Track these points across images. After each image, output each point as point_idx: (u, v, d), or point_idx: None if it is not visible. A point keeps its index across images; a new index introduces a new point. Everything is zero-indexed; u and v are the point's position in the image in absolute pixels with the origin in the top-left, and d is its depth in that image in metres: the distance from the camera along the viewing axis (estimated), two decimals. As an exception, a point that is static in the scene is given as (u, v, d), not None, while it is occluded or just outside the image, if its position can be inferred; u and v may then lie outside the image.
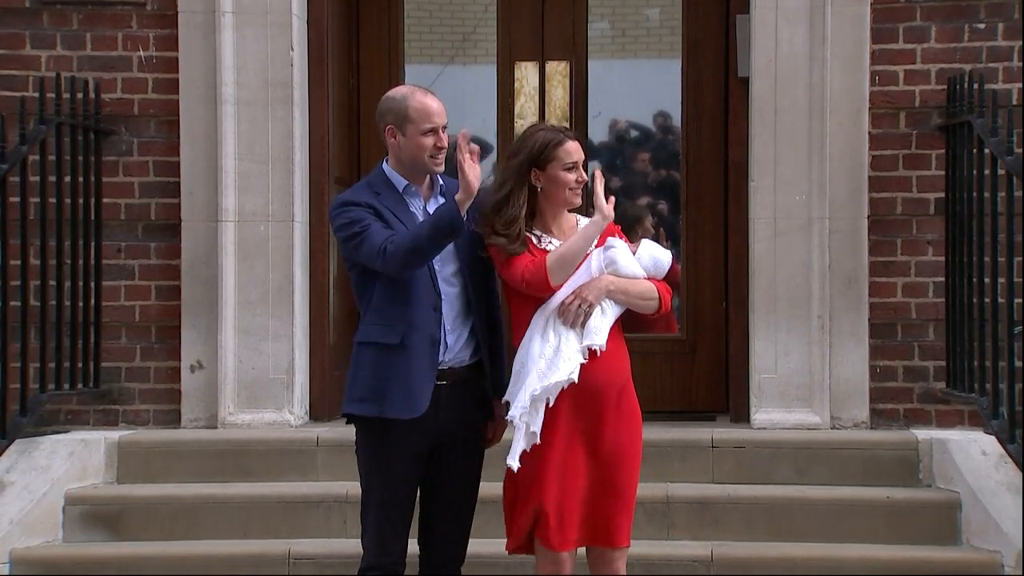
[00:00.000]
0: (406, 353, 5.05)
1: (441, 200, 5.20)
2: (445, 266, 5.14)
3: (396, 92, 5.25)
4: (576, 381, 4.98)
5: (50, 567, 6.39)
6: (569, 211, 5.26)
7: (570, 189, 5.15)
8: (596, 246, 5.16)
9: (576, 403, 5.03)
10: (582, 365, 5.01)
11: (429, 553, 5.26)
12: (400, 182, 5.19)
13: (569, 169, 5.15)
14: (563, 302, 5.06)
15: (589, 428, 5.05)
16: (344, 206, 5.14)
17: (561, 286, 5.06)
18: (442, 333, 5.10)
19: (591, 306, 5.04)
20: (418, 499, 5.22)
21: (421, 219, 5.14)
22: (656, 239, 7.75)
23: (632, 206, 8.03)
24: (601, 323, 5.05)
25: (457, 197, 4.96)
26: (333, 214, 5.17)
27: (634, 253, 5.17)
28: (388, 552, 5.14)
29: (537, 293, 5.06)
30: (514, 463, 5.01)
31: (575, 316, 5.03)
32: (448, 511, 5.21)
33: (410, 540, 5.21)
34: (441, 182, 5.25)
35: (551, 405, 5.01)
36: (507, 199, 5.14)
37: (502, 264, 5.11)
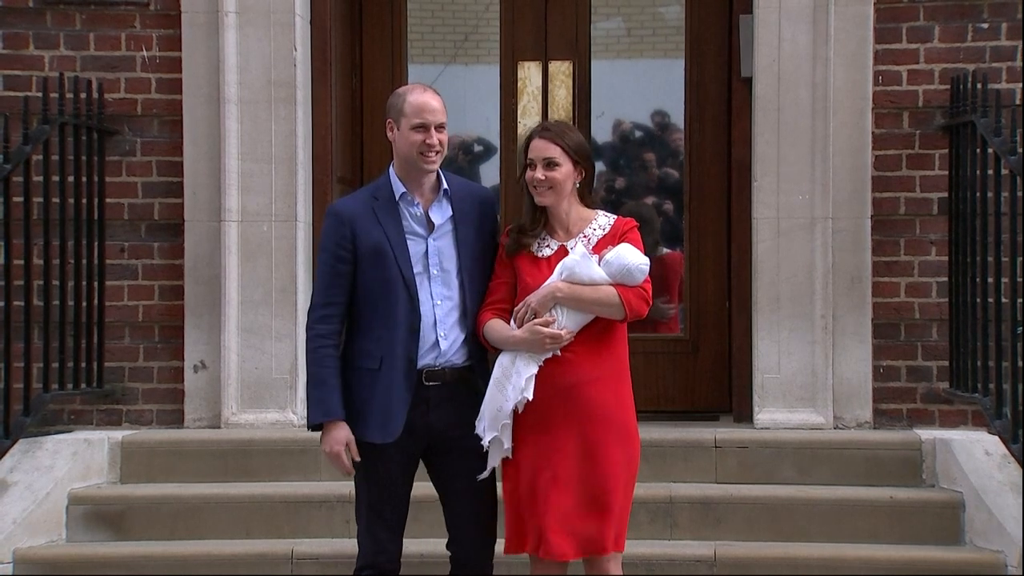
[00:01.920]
0: (383, 377, 5.07)
1: (445, 205, 5.19)
2: (445, 270, 5.14)
3: (401, 88, 5.30)
4: (530, 398, 4.99)
5: (53, 567, 6.40)
6: (589, 207, 5.21)
7: (533, 188, 5.12)
8: (595, 249, 5.14)
9: (537, 408, 5.02)
10: (544, 368, 5.01)
11: (456, 557, 5.27)
12: (398, 189, 5.18)
13: (530, 167, 5.13)
14: (515, 308, 5.09)
15: (553, 432, 5.02)
16: (328, 217, 5.20)
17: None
18: (433, 342, 5.10)
19: (535, 312, 5.03)
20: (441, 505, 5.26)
21: (415, 227, 5.15)
22: (659, 238, 7.77)
23: (638, 205, 8.02)
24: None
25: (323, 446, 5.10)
26: (326, 220, 5.21)
27: (600, 260, 5.08)
28: (382, 551, 5.15)
29: None
30: (483, 474, 5.11)
31: (520, 323, 5.04)
32: (465, 513, 5.21)
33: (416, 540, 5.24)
34: (446, 185, 5.22)
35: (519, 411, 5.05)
36: (526, 203, 5.19)
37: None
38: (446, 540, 5.27)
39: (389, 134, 5.20)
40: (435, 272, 5.13)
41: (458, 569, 5.27)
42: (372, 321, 5.10)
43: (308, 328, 5.14)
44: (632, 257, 5.05)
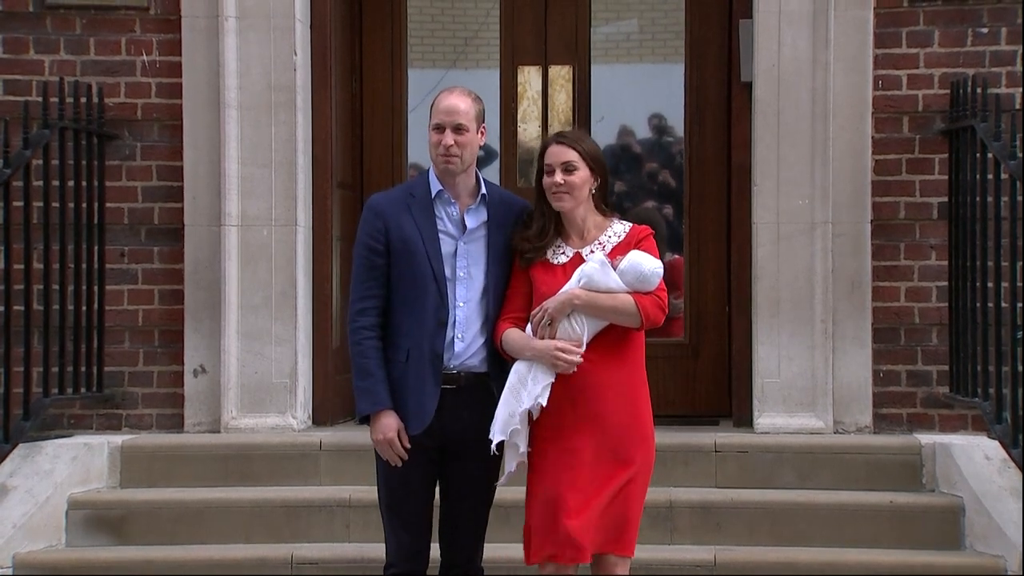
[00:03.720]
0: (412, 368, 5.10)
1: (481, 211, 5.20)
2: (471, 274, 5.16)
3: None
4: (544, 404, 5.00)
5: (53, 571, 6.39)
6: (605, 215, 5.21)
7: (552, 193, 5.14)
8: (609, 256, 5.13)
9: (552, 416, 5.03)
10: (558, 376, 5.00)
11: (448, 556, 5.29)
12: (435, 187, 5.21)
13: (548, 172, 5.16)
14: (532, 313, 5.09)
15: (568, 438, 5.02)
16: (364, 211, 5.23)
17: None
18: (450, 341, 5.12)
19: (551, 318, 5.03)
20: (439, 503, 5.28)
21: (449, 227, 5.17)
22: (666, 244, 7.78)
23: (640, 210, 8.02)
24: (567, 337, 5.03)
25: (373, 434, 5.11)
26: (362, 214, 5.24)
27: (615, 267, 5.08)
28: (405, 550, 5.17)
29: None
30: (500, 480, 5.14)
31: (537, 327, 5.05)
32: (463, 515, 5.22)
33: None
34: (484, 190, 5.23)
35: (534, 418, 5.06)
36: (537, 211, 5.19)
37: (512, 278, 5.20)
38: (438, 541, 5.29)
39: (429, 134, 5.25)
40: (461, 275, 5.15)
41: (448, 571, 5.28)
42: (402, 314, 5.13)
43: (349, 323, 5.17)
44: (646, 262, 5.06)
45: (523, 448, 5.05)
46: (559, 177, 5.12)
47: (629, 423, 5.07)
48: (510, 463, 5.09)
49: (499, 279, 5.19)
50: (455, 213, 5.20)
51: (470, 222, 5.19)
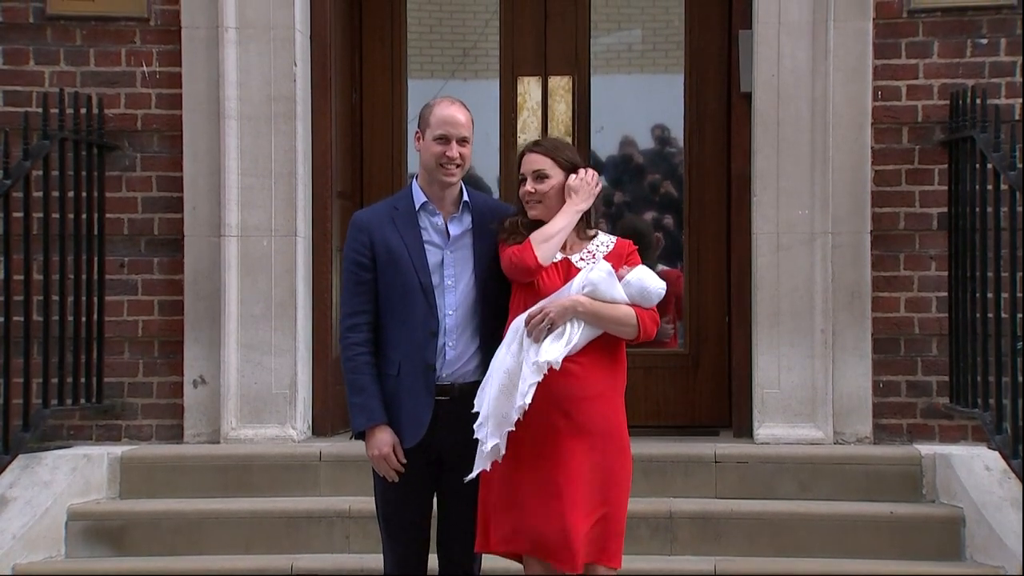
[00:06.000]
0: (404, 381, 5.10)
1: (465, 218, 5.21)
2: (459, 282, 5.16)
3: (433, 99, 5.31)
4: (526, 406, 4.95)
5: (53, 582, 6.41)
6: (588, 224, 5.18)
7: (525, 202, 5.15)
8: (615, 268, 5.12)
9: (539, 418, 5.00)
10: (550, 380, 4.96)
11: (446, 566, 5.29)
12: (419, 198, 5.21)
13: (521, 181, 5.17)
14: (530, 313, 5.05)
15: (557, 443, 5.00)
16: (349, 227, 5.23)
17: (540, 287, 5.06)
18: (441, 352, 5.11)
19: (552, 322, 5.01)
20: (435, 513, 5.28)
21: (434, 237, 5.18)
22: (660, 253, 7.78)
23: (638, 220, 8.02)
24: (558, 342, 5.00)
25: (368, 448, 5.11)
26: (347, 230, 5.25)
27: (621, 278, 5.10)
28: (403, 562, 5.18)
29: (522, 276, 5.04)
30: (470, 475, 5.04)
31: (535, 329, 5.02)
32: (461, 525, 5.21)
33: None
34: (466, 198, 5.24)
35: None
36: (518, 221, 5.19)
37: (501, 255, 5.13)
38: (436, 552, 5.29)
39: (416, 144, 5.23)
40: (449, 283, 5.15)
41: (447, 570, 5.28)
42: (391, 327, 5.14)
43: (341, 339, 5.19)
44: (652, 281, 5.10)
45: (503, 450, 4.99)
46: (530, 186, 5.14)
47: (615, 433, 5.07)
48: (487, 461, 5.01)
49: (487, 284, 5.17)
50: (439, 222, 5.20)
51: (453, 230, 5.19)
